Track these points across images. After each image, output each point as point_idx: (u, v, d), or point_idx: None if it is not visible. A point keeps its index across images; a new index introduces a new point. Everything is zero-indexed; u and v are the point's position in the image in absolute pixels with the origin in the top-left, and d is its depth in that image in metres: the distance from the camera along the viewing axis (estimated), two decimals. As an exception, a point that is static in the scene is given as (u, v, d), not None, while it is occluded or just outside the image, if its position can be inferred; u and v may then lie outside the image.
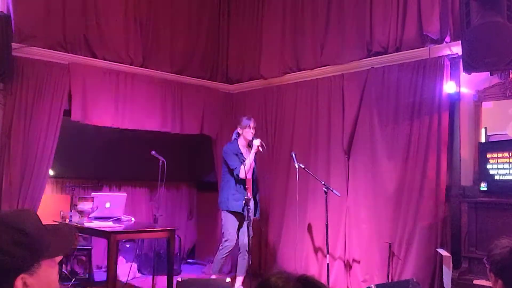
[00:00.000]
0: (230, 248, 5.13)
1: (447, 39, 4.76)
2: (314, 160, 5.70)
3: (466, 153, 4.63)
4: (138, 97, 5.93)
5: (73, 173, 6.25)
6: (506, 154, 4.23)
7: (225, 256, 5.17)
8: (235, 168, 5.09)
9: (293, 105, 6.06)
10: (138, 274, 6.21)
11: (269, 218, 6.15)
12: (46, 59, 5.26)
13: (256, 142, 5.10)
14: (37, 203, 5.10)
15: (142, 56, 6.14)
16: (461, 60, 4.31)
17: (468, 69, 4.13)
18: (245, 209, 4.89)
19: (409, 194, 4.83)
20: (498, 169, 4.26)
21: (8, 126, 5.00)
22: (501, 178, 4.24)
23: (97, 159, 6.31)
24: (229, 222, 5.15)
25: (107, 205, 5.23)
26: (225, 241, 5.14)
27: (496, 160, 4.28)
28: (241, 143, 5.27)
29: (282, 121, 6.18)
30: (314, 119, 5.81)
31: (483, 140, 4.48)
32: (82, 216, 5.03)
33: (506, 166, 4.21)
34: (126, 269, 5.60)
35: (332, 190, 5.00)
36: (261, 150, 5.13)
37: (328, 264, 4.99)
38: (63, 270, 5.49)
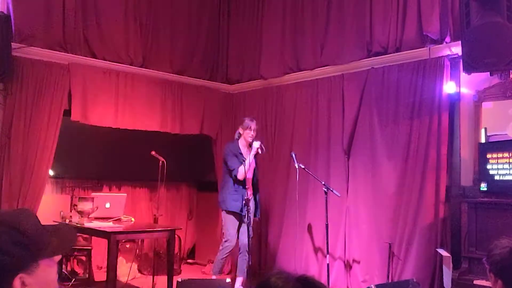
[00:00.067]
0: (231, 248, 5.13)
1: (447, 39, 4.76)
2: (314, 160, 5.70)
3: (466, 153, 4.63)
4: (138, 97, 5.92)
5: (73, 173, 6.24)
6: (506, 154, 4.22)
7: (226, 257, 5.17)
8: (234, 169, 5.09)
9: (293, 105, 6.05)
10: (138, 274, 6.21)
11: (269, 218, 6.14)
12: (46, 59, 5.26)
13: (256, 145, 5.09)
14: (37, 203, 5.09)
15: (142, 56, 6.14)
16: (461, 60, 4.30)
17: (468, 69, 4.13)
18: (244, 209, 4.89)
19: (409, 194, 4.82)
20: (498, 169, 4.26)
21: (8, 126, 4.99)
22: (501, 178, 4.24)
23: (97, 159, 6.30)
24: (229, 222, 5.15)
25: (107, 205, 5.24)
26: (225, 241, 5.14)
27: (496, 160, 4.27)
28: (242, 143, 5.27)
29: (282, 121, 6.17)
30: (314, 119, 5.81)
31: (483, 140, 4.47)
32: (82, 216, 5.03)
33: (506, 166, 4.21)
34: (126, 269, 5.60)
35: (332, 190, 5.00)
36: (260, 152, 5.13)
37: (328, 264, 4.99)
38: (63, 270, 5.49)
